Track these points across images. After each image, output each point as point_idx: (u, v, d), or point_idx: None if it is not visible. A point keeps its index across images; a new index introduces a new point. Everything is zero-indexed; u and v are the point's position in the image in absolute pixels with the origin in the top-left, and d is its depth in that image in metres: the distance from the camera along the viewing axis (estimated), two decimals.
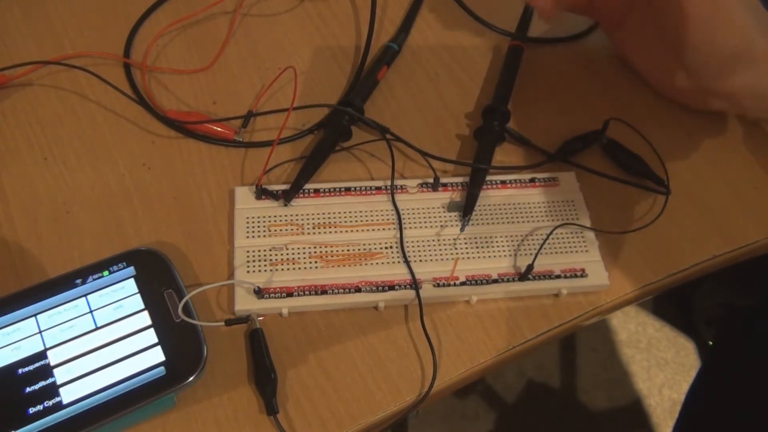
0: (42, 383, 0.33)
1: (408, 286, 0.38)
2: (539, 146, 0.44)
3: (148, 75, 0.47)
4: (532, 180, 0.43)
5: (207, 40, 0.49)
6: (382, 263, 0.39)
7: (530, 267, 0.38)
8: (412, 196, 0.42)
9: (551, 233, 0.40)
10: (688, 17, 0.38)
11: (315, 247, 0.39)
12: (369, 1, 0.49)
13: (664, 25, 0.40)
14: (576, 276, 0.39)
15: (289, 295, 0.37)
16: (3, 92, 0.45)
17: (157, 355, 0.34)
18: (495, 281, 0.39)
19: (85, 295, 0.36)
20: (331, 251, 0.39)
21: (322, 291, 0.38)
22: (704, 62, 0.40)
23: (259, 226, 0.40)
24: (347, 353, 0.37)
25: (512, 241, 0.40)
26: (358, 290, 0.38)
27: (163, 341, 0.35)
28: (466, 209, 0.40)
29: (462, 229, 0.40)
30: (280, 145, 0.44)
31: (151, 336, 0.35)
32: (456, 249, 0.40)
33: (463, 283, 0.38)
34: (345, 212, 0.40)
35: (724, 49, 0.39)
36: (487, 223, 0.41)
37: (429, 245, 0.40)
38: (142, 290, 0.36)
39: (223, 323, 0.36)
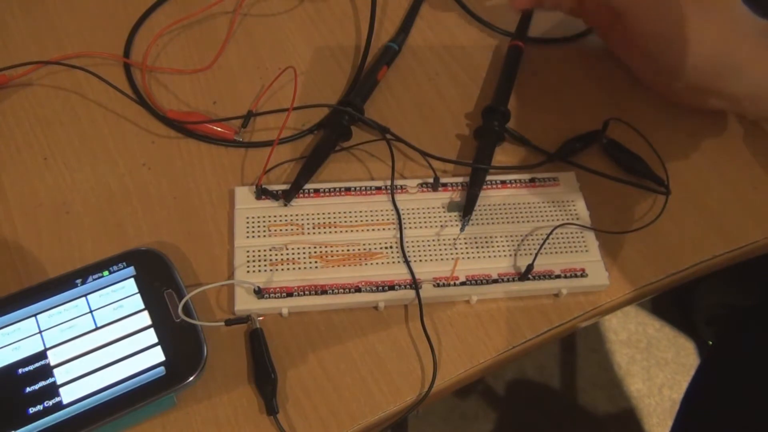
0: (42, 383, 0.33)
1: (408, 286, 0.38)
2: (539, 146, 0.44)
3: (148, 75, 0.47)
4: (532, 180, 0.43)
5: (207, 40, 0.49)
6: (382, 263, 0.39)
7: (530, 267, 0.38)
8: (412, 196, 0.42)
9: (551, 233, 0.40)
10: (657, 37, 0.39)
11: (315, 247, 0.39)
12: (369, 1, 0.49)
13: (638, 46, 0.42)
14: (576, 276, 0.39)
15: (289, 295, 0.37)
16: (3, 92, 0.45)
17: (157, 355, 0.34)
18: (495, 281, 0.39)
19: (85, 295, 0.36)
20: (331, 251, 0.39)
21: (322, 291, 0.38)
22: (686, 76, 0.40)
23: (259, 226, 0.40)
24: (347, 353, 0.37)
25: (512, 241, 0.40)
26: (358, 290, 0.38)
27: (163, 341, 0.35)
28: (466, 209, 0.40)
29: (462, 229, 0.40)
30: (280, 145, 0.44)
31: (151, 336, 0.35)
32: (456, 249, 0.40)
33: (463, 283, 0.38)
34: (345, 212, 0.40)
35: (700, 64, 0.39)
36: (487, 223, 0.41)
37: (429, 245, 0.40)
38: (142, 290, 0.36)
39: (223, 323, 0.36)
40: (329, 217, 0.40)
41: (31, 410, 0.33)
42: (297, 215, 0.40)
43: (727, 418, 0.50)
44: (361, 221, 0.40)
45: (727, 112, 0.47)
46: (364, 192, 0.41)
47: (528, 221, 0.41)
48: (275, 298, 0.37)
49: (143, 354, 0.34)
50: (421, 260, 0.39)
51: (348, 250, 0.39)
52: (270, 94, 0.46)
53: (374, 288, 0.38)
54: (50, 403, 0.33)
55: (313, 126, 0.45)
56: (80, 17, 0.49)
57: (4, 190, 0.42)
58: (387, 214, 0.41)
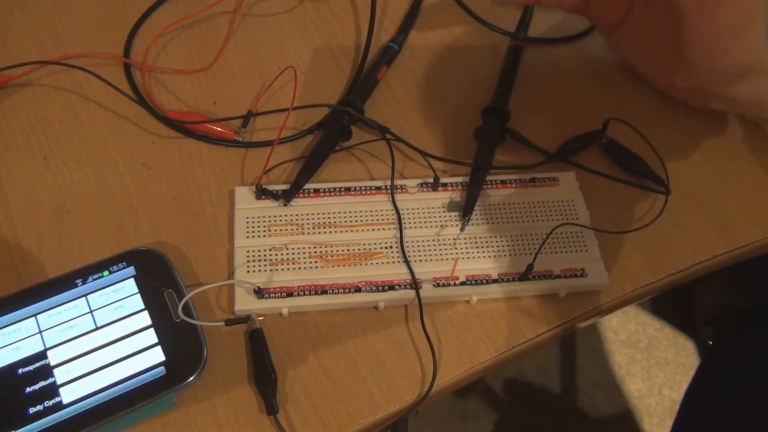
0: (42, 383, 0.33)
1: (408, 286, 0.38)
2: (539, 146, 0.44)
3: (148, 75, 0.47)
4: (532, 180, 0.43)
5: (207, 40, 0.49)
6: (382, 263, 0.39)
7: (530, 267, 0.38)
8: (412, 196, 0.42)
9: (551, 233, 0.40)
10: (719, 24, 0.37)
11: (315, 247, 0.39)
12: (369, 1, 0.49)
13: (682, 30, 0.38)
14: (576, 276, 0.39)
15: (289, 295, 0.37)
16: (3, 92, 0.45)
17: (157, 355, 0.34)
18: (495, 281, 0.39)
19: (85, 295, 0.36)
20: (331, 251, 0.39)
21: (322, 291, 0.38)
22: (714, 70, 0.39)
23: (259, 226, 0.40)
24: (347, 353, 0.37)
25: (512, 241, 0.40)
26: (358, 290, 0.38)
27: (163, 341, 0.35)
28: (466, 209, 0.40)
29: (462, 229, 0.40)
30: (280, 145, 0.44)
31: (151, 336, 0.35)
32: (456, 249, 0.40)
33: (463, 283, 0.38)
34: (345, 212, 0.40)
35: (739, 61, 0.38)
36: (487, 223, 0.41)
37: (429, 245, 0.40)
38: (142, 290, 0.36)
39: (223, 323, 0.36)
40: (329, 217, 0.40)
41: (31, 410, 0.33)
42: (297, 215, 0.40)
43: (727, 418, 0.50)
44: (361, 221, 0.40)
45: (728, 112, 0.47)
46: (364, 192, 0.41)
47: (528, 221, 0.41)
48: (275, 298, 0.37)
49: (143, 354, 0.34)
50: (421, 260, 0.39)
51: (348, 250, 0.39)
52: (270, 94, 0.46)
53: (374, 288, 0.38)
54: (50, 403, 0.33)
55: (313, 126, 0.45)
56: (80, 17, 0.49)
57: (4, 190, 0.42)
58: (387, 214, 0.41)
